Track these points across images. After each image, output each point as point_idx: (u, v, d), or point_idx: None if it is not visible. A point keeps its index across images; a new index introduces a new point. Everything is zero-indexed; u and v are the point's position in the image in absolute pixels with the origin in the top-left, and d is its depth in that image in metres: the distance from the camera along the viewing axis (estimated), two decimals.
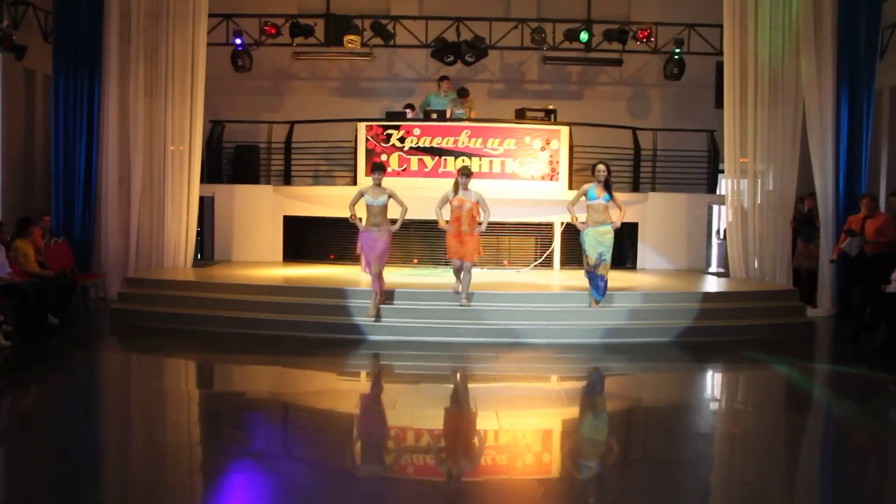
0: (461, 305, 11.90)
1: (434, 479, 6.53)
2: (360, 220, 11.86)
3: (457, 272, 12.05)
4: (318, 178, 17.25)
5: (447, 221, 11.98)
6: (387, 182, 15.32)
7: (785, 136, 14.82)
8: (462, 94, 16.73)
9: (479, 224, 11.88)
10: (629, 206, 15.63)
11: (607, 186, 11.91)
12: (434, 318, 11.93)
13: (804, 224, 15.15)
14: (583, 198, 11.98)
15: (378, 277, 11.72)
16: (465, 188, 11.90)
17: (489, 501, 5.95)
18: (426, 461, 6.92)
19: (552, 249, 15.93)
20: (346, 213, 11.83)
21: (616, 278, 13.55)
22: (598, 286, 11.98)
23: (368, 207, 11.76)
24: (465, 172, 11.95)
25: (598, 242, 11.89)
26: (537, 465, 6.74)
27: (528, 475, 6.55)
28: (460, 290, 11.97)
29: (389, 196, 11.78)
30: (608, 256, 11.94)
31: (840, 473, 7.16)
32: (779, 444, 7.90)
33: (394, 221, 11.86)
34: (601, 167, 11.89)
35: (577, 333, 11.78)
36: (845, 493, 6.60)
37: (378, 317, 11.74)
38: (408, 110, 16.51)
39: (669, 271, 15.92)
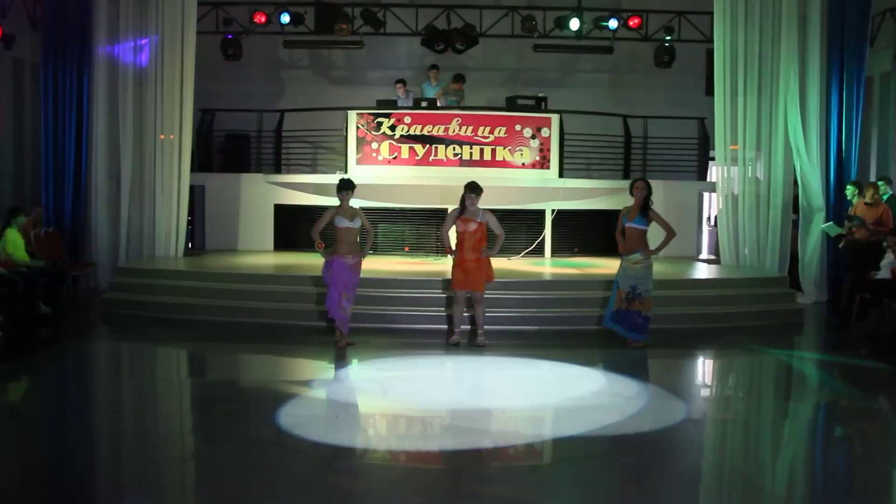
0: (479, 344, 10.46)
1: (427, 464, 6.53)
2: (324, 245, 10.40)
3: (457, 310, 10.61)
4: (309, 167, 17.22)
5: (451, 247, 10.51)
6: (379, 170, 15.52)
7: (775, 124, 14.84)
8: (458, 79, 16.72)
9: (490, 248, 10.43)
10: (620, 195, 15.67)
11: (644, 208, 10.44)
12: (424, 305, 11.95)
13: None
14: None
15: (348, 313, 10.36)
16: (473, 206, 10.31)
17: (480, 485, 5.97)
18: (419, 446, 6.93)
19: (543, 237, 15.94)
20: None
21: (608, 265, 13.60)
22: (634, 324, 10.51)
23: (342, 231, 10.20)
24: (473, 188, 10.32)
25: (627, 275, 10.51)
26: (528, 450, 6.74)
27: (519, 459, 6.56)
28: (460, 340, 10.55)
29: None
30: (644, 290, 10.44)
31: (829, 459, 7.22)
32: (768, 429, 7.94)
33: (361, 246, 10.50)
34: (639, 184, 10.48)
35: (567, 321, 11.80)
36: (834, 478, 6.66)
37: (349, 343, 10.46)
38: (398, 85, 16.53)
39: (660, 258, 15.91)
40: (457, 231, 10.42)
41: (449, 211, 10.69)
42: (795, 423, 8.35)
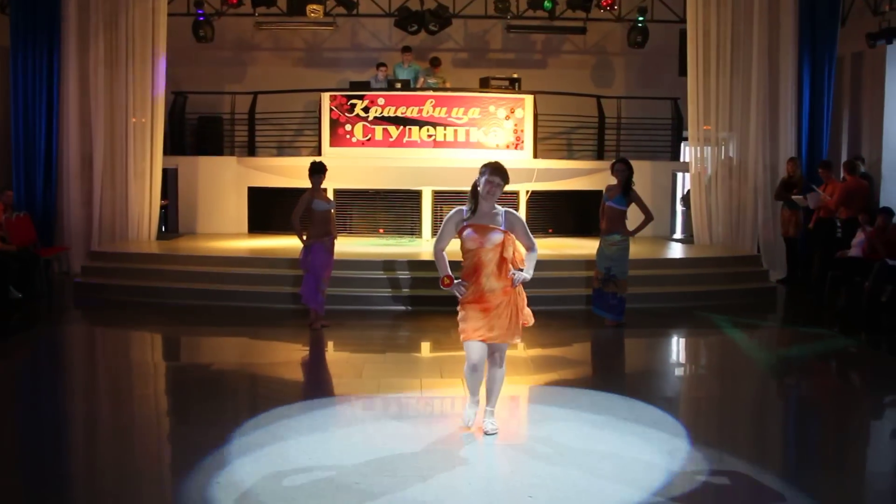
0: (488, 432, 6.52)
1: (404, 448, 6.54)
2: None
3: (473, 377, 6.51)
4: (283, 149, 17.15)
5: (457, 279, 6.40)
6: (353, 152, 15.48)
7: (747, 103, 14.93)
8: (435, 63, 16.75)
9: (520, 270, 6.44)
10: (594, 175, 15.74)
11: (625, 188, 10.29)
12: (399, 287, 11.98)
13: (787, 190, 14.24)
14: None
15: (324, 294, 10.39)
16: (491, 202, 6.35)
17: (456, 465, 6.00)
18: (395, 429, 6.94)
19: None
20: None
21: (582, 245, 13.66)
22: (608, 305, 10.56)
23: (320, 214, 10.19)
24: (496, 170, 6.28)
25: (603, 255, 10.53)
26: (500, 429, 6.75)
27: (493, 438, 6.58)
28: (472, 421, 6.69)
29: None
30: (619, 272, 10.46)
31: (801, 434, 7.31)
32: (741, 406, 8.03)
33: None
34: (619, 165, 10.30)
35: (545, 301, 11.83)
36: (806, 453, 6.76)
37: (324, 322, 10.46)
38: (382, 68, 16.47)
39: (635, 239, 15.97)
40: (466, 247, 6.39)
41: (446, 217, 6.51)
42: (767, 399, 8.45)
